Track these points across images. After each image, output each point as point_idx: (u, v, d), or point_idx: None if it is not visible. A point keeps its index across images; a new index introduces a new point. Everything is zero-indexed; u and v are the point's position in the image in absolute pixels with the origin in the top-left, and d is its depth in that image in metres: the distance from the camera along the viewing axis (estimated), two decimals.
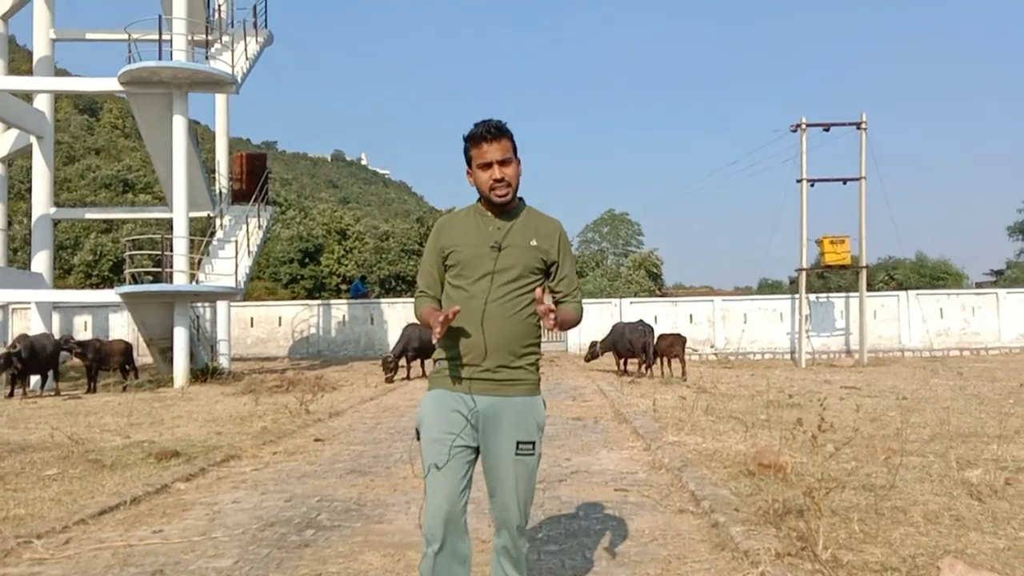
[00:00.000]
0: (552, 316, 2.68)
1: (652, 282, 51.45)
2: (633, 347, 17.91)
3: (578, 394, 14.12)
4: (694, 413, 10.00)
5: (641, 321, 18.84)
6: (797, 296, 25.56)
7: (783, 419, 8.23)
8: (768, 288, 52.87)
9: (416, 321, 3.37)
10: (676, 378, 16.71)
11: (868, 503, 5.14)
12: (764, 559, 3.94)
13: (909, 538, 4.40)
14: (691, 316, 27.81)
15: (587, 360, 20.03)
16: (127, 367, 17.80)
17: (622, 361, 18.96)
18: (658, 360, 17.96)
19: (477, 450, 2.87)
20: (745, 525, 4.58)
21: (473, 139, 2.84)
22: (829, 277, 42.81)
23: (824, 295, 28.68)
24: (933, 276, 40.58)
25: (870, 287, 28.91)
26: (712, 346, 27.05)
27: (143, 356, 21.51)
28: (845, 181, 24.15)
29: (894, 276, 43.68)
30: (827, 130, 24.17)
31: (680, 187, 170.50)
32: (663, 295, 44.18)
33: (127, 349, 18.02)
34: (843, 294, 28.42)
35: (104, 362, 17.29)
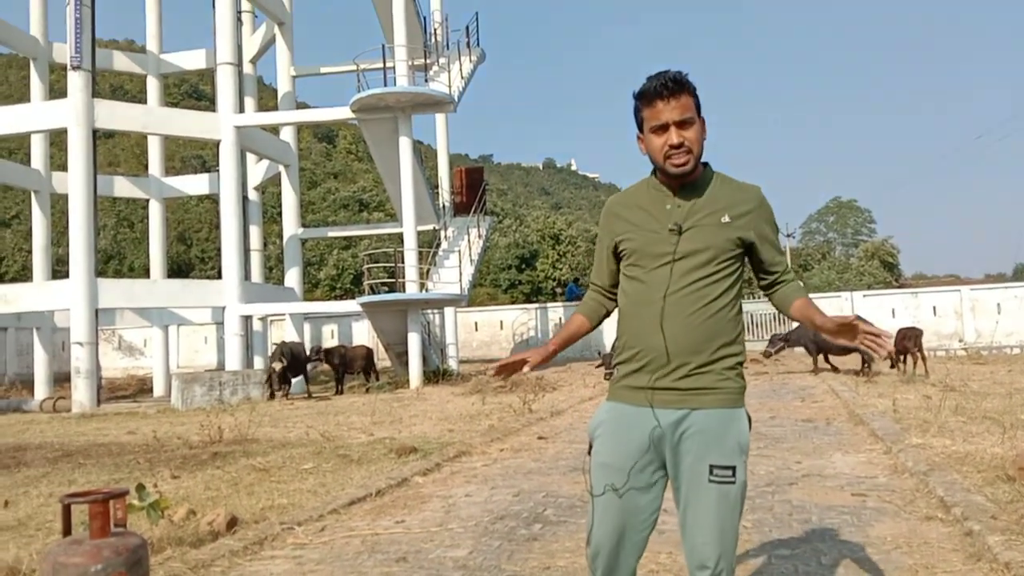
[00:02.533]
0: (877, 340, 2.26)
1: (888, 273, 47.78)
2: (844, 346, 16.49)
3: (807, 394, 13.41)
4: (941, 413, 9.17)
5: (858, 316, 17.28)
6: None
7: None
8: None
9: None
10: (918, 376, 15.37)
11: None
12: None
13: None
14: (934, 308, 25.42)
15: (767, 356, 18.53)
16: (369, 370, 19.37)
17: (820, 358, 17.57)
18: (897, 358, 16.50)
19: (666, 475, 2.39)
20: (1005, 534, 4.15)
21: (645, 96, 2.34)
22: None
23: None
24: None
25: None
26: (960, 340, 24.55)
27: (382, 360, 23.21)
28: None
29: None
30: None
31: (916, 168, 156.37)
32: (901, 286, 40.82)
33: (368, 354, 19.64)
34: None
35: (349, 366, 18.95)
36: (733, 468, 2.29)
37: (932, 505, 5.15)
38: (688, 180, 2.39)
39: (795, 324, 18.34)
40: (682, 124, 2.32)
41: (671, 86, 2.30)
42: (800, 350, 18.74)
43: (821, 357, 17.79)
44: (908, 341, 16.25)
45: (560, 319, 29.42)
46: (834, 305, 25.97)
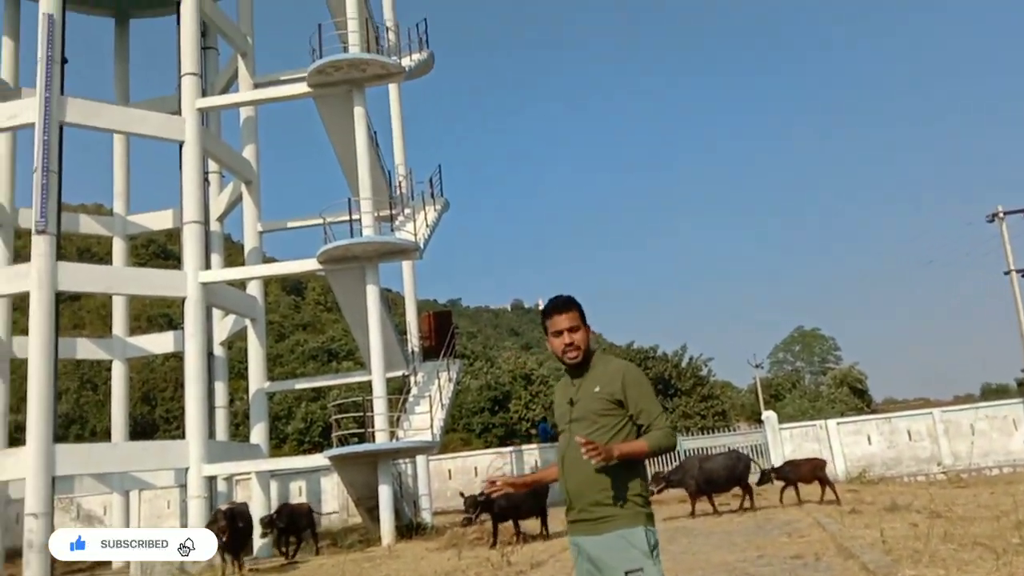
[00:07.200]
0: (596, 452, 2.98)
1: (858, 399, 47.98)
2: (730, 480, 16.46)
3: (792, 529, 13.04)
4: (931, 541, 8.92)
5: (735, 451, 17.82)
6: None
7: None
8: (993, 393, 47.81)
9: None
10: (828, 503, 15.69)
11: None
12: None
13: None
14: (909, 432, 25.33)
15: (655, 492, 17.30)
16: (308, 529, 17.47)
17: (698, 498, 16.64)
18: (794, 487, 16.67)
19: None
20: None
21: (546, 313, 3.38)
22: None
23: None
24: None
25: None
26: (939, 464, 24.37)
27: (352, 516, 22.33)
28: None
29: None
30: None
31: (869, 293, 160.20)
32: (872, 411, 40.89)
33: (309, 511, 17.89)
34: None
35: (294, 526, 17.04)
36: (641, 569, 3.08)
37: None
38: (580, 366, 3.35)
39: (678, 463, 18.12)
40: (572, 329, 3.32)
41: (561, 305, 3.35)
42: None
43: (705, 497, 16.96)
44: (817, 471, 16.69)
45: (536, 461, 28.77)
46: (810, 434, 25.81)
